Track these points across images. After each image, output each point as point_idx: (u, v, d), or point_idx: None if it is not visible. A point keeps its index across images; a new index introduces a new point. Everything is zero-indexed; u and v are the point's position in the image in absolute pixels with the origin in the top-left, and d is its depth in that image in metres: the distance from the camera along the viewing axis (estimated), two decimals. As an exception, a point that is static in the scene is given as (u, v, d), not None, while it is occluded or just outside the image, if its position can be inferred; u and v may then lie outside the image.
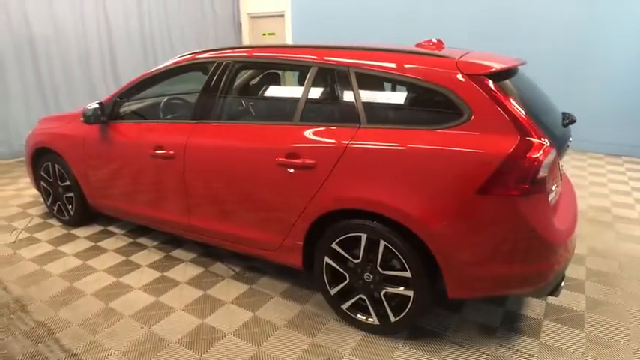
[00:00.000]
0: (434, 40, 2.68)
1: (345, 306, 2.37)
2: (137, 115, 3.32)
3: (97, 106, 3.10)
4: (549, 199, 2.00)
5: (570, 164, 5.43)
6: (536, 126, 1.96)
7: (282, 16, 7.92)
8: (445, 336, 2.32)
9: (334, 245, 2.31)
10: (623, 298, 2.65)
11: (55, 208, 3.74)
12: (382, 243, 2.16)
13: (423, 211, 2.02)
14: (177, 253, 3.23)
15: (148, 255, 3.21)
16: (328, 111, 2.38)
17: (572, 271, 2.94)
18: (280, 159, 2.34)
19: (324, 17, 7.40)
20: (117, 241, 3.44)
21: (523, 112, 1.98)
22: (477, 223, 1.97)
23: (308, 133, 2.31)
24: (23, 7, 5.65)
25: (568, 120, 2.44)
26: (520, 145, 1.90)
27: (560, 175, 2.45)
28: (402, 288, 2.19)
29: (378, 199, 2.10)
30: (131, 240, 3.44)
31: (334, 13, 7.29)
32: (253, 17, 8.39)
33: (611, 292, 2.71)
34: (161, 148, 2.80)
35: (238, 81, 2.78)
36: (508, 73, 2.23)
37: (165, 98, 3.43)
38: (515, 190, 1.89)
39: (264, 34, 8.37)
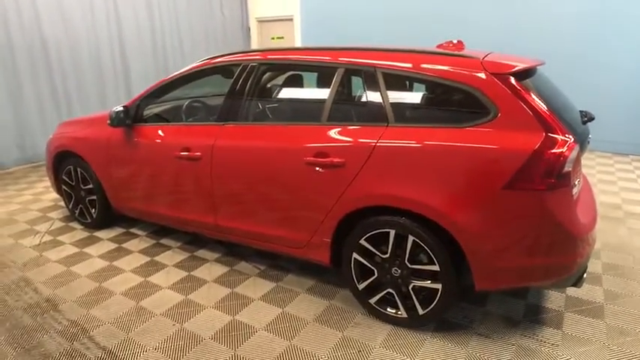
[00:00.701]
0: (454, 42, 2.76)
1: (372, 300, 2.44)
2: (160, 117, 3.39)
3: (122, 109, 3.17)
4: (573, 192, 2.07)
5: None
6: (560, 123, 2.04)
7: (291, 20, 8.01)
8: (471, 328, 2.39)
9: (362, 242, 2.38)
10: (640, 290, 2.72)
11: (77, 211, 3.81)
12: (410, 238, 2.23)
13: (451, 206, 2.09)
14: (202, 253, 3.30)
15: (172, 255, 3.27)
16: (356, 111, 2.46)
17: (589, 264, 3.01)
18: (309, 158, 2.41)
19: (332, 20, 7.50)
20: (140, 242, 3.50)
21: (547, 109, 2.06)
22: (505, 217, 2.04)
23: (336, 133, 2.38)
24: (36, 10, 5.70)
25: (587, 117, 2.52)
26: (546, 141, 1.97)
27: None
28: (429, 282, 2.26)
29: (408, 195, 2.17)
30: (155, 241, 3.51)
31: (342, 16, 7.39)
32: (262, 21, 8.49)
33: (627, 285, 2.79)
34: (187, 150, 2.88)
35: (264, 83, 2.86)
36: (529, 72, 2.31)
37: (188, 101, 3.51)
38: (542, 184, 1.96)
39: (272, 38, 8.46)
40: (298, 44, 7.93)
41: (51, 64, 5.99)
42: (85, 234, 3.68)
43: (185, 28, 7.62)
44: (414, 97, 2.40)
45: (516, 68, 2.16)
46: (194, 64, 3.07)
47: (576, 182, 2.13)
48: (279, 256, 3.14)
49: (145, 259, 3.23)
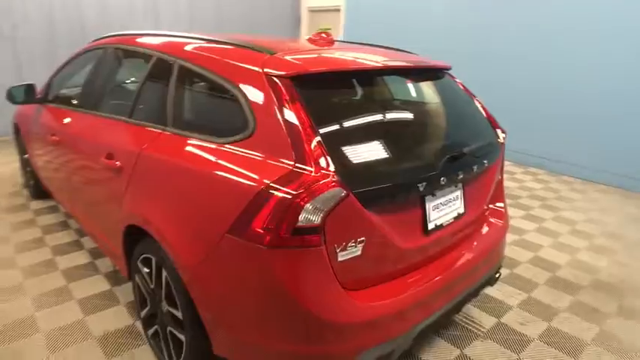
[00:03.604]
0: (324, 34, 2.20)
1: (149, 332, 2.07)
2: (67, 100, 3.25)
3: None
4: (338, 258, 1.42)
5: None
6: (326, 153, 1.40)
7: (339, 10, 7.53)
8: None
9: (139, 264, 2.01)
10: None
11: None
12: (165, 271, 1.80)
13: (180, 239, 1.62)
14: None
15: None
16: (151, 108, 2.07)
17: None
18: (102, 159, 2.12)
19: (378, 14, 6.83)
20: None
21: (315, 131, 1.43)
22: (225, 270, 1.50)
23: (125, 132, 2.05)
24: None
25: (459, 153, 1.77)
26: (287, 177, 1.37)
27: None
28: (178, 329, 1.80)
29: (149, 217, 1.75)
30: None
31: (389, 9, 6.68)
32: (313, 11, 8.15)
33: None
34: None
35: (103, 70, 2.60)
36: (365, 77, 1.78)
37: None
38: (267, 237, 1.36)
39: (320, 29, 8.06)
40: (340, 36, 7.41)
41: None
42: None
43: (227, 17, 7.42)
44: (194, 98, 1.90)
45: (308, 71, 1.56)
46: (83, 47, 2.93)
47: (352, 243, 1.45)
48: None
49: None
